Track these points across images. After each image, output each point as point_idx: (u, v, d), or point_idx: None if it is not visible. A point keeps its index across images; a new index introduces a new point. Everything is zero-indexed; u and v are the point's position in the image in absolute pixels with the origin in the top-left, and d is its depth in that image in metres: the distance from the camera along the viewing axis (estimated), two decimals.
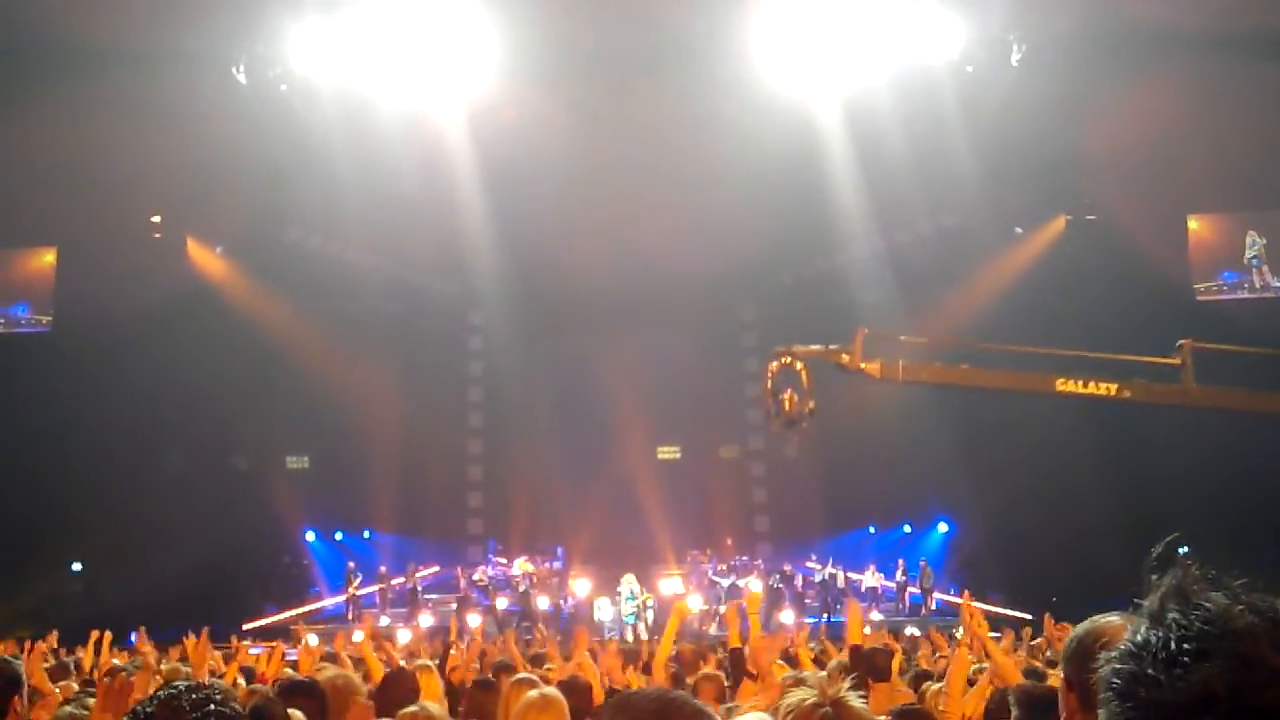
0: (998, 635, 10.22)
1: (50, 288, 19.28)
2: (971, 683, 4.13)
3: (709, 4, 14.68)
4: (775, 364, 9.46)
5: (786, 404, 9.15)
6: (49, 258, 19.34)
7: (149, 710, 1.74)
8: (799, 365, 9.35)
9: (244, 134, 16.15)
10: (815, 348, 9.79)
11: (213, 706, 1.75)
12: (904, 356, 10.53)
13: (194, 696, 1.76)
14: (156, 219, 18.94)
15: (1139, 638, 0.74)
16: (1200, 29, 14.15)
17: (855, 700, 1.88)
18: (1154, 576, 0.78)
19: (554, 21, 14.82)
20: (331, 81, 15.50)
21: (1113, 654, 0.75)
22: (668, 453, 22.12)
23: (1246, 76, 14.76)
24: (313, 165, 16.83)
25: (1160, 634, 0.72)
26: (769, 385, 9.28)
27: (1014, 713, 2.77)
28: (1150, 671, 0.71)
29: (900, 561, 19.43)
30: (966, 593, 4.01)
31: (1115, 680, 0.73)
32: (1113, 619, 1.82)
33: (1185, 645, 0.70)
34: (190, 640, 6.36)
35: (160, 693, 1.79)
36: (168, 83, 14.82)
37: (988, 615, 16.60)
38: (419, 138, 16.21)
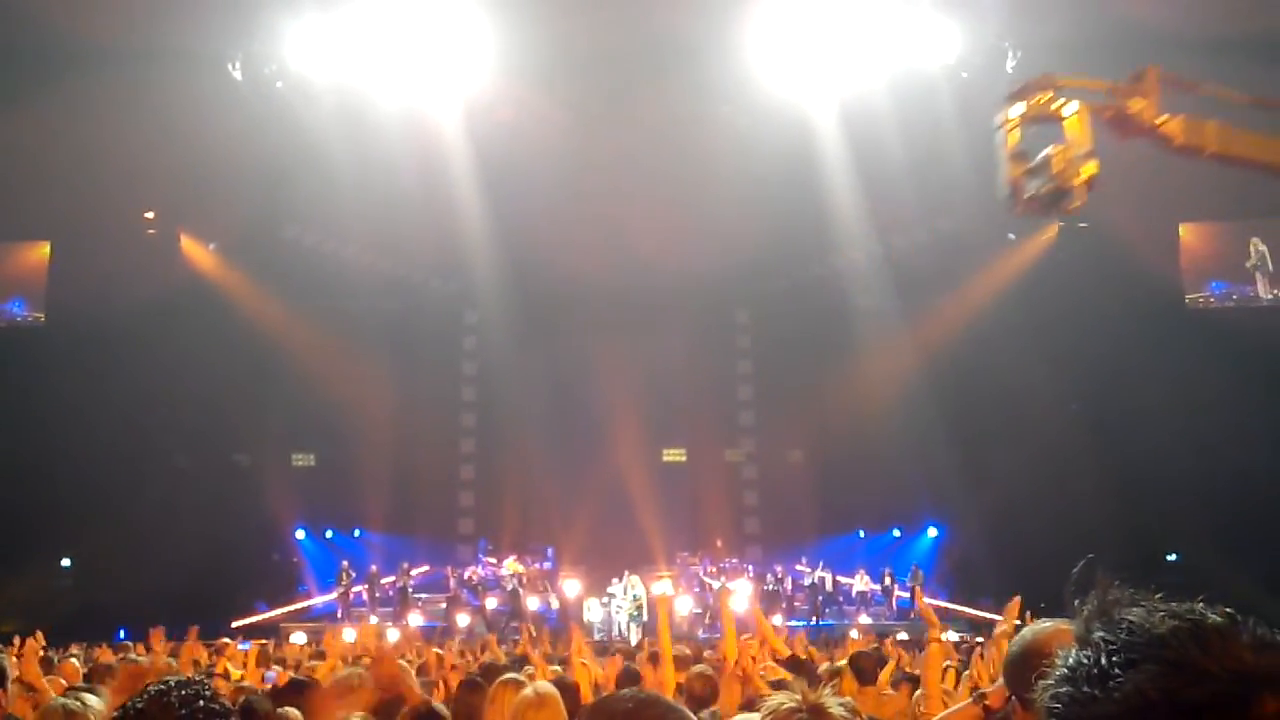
0: (980, 640, 10.24)
1: (44, 283, 19.24)
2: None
3: (706, 6, 14.69)
4: (1026, 104, 5.23)
5: (1054, 163, 4.98)
6: (43, 252, 19.31)
7: (139, 706, 1.76)
8: (1065, 109, 5.09)
9: (239, 131, 16.12)
10: (1090, 80, 5.40)
11: (201, 702, 1.77)
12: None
13: (183, 692, 1.78)
14: (150, 215, 18.91)
15: (1070, 661, 0.76)
16: (1193, 34, 14.19)
17: (835, 706, 1.85)
18: (1076, 601, 0.81)
19: (551, 21, 14.82)
20: (327, 79, 15.49)
21: (1048, 680, 0.77)
22: (673, 455, 22.07)
23: (1238, 81, 14.81)
24: (308, 163, 16.81)
25: (1090, 653, 0.75)
26: (1009, 142, 5.18)
27: None
28: (1085, 689, 0.73)
29: (886, 569, 19.45)
30: (917, 589, 4.03)
31: (1055, 705, 0.75)
32: (1043, 626, 1.85)
33: (1114, 658, 0.73)
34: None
35: (150, 688, 1.81)
36: (163, 79, 14.79)
37: (977, 621, 16.65)
38: (415, 136, 16.20)
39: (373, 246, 20.24)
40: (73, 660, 6.76)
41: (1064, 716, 0.75)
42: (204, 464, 19.35)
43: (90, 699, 3.15)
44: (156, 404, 18.20)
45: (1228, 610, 0.75)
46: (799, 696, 1.87)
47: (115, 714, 1.83)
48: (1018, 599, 3.93)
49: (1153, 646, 0.72)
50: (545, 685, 3.50)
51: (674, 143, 16.93)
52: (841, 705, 1.88)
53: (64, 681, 5.64)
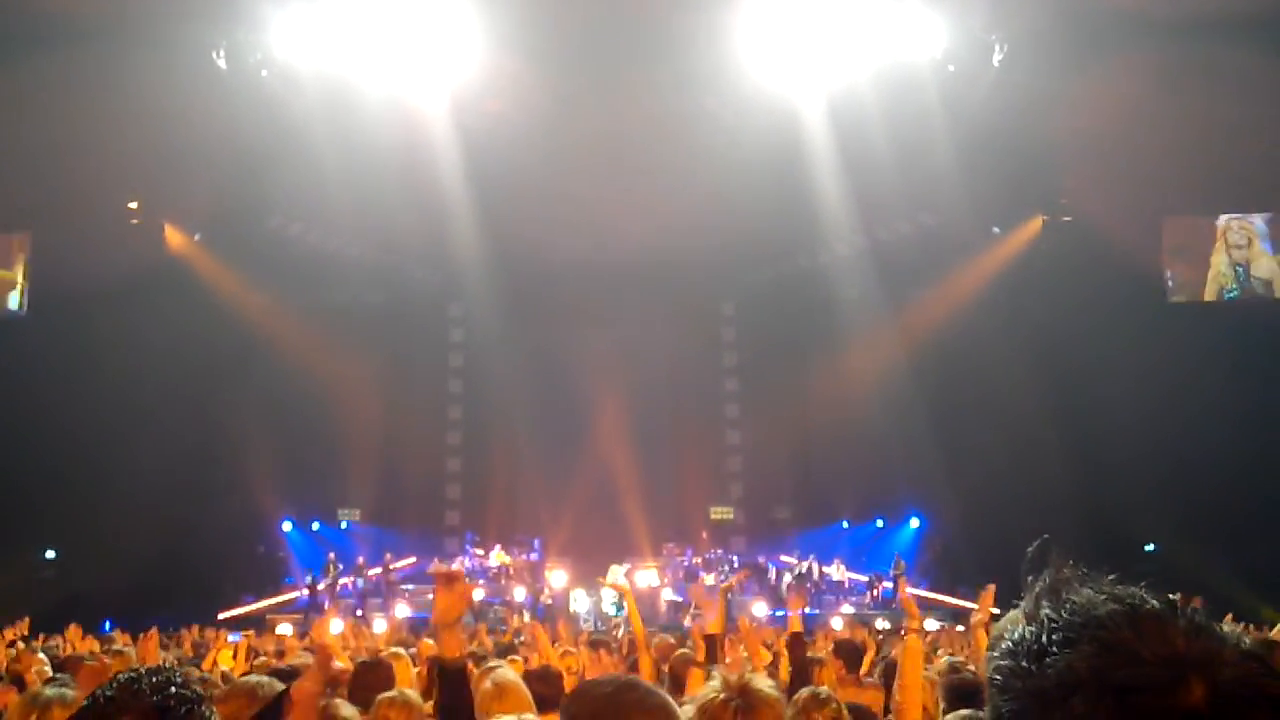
0: (962, 627, 10.36)
1: (24, 272, 19.04)
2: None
3: (695, 1, 14.68)
4: None
5: None
6: (23, 243, 19.10)
7: (109, 693, 1.76)
8: None
9: (223, 120, 15.99)
10: None
11: (173, 689, 1.77)
12: None
13: (154, 680, 1.77)
14: (134, 204, 18.75)
15: (1016, 635, 0.79)
16: (1177, 21, 14.26)
17: (762, 684, 1.83)
18: (1029, 578, 0.83)
19: (537, 12, 14.78)
20: (313, 68, 15.37)
21: (994, 652, 0.81)
22: (721, 513, 22.01)
23: (1227, 76, 14.92)
24: (293, 153, 16.70)
25: (1034, 629, 0.78)
26: None
27: (941, 704, 2.82)
28: (1024, 664, 0.77)
29: (864, 562, 19.63)
30: (902, 579, 4.09)
31: (996, 676, 0.79)
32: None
33: (1054, 636, 0.76)
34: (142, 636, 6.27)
35: (120, 676, 1.81)
36: (146, 67, 14.64)
37: (960, 610, 16.81)
38: (401, 127, 16.13)
39: (358, 238, 20.15)
40: (40, 656, 6.66)
41: (1002, 688, 0.78)
42: (188, 455, 19.22)
43: (69, 694, 3.14)
44: (140, 395, 18.06)
45: (1169, 596, 0.77)
46: (726, 682, 1.83)
47: (85, 701, 1.83)
48: (992, 587, 4.00)
49: (1089, 627, 0.75)
50: (505, 675, 3.48)
51: (660, 135, 16.93)
52: (766, 683, 1.85)
53: (48, 670, 5.63)
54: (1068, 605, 0.77)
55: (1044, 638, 0.76)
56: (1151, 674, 0.71)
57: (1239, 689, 0.71)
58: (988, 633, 3.71)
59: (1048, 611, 0.78)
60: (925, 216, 19.40)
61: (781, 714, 1.86)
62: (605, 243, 19.03)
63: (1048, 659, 0.75)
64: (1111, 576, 0.80)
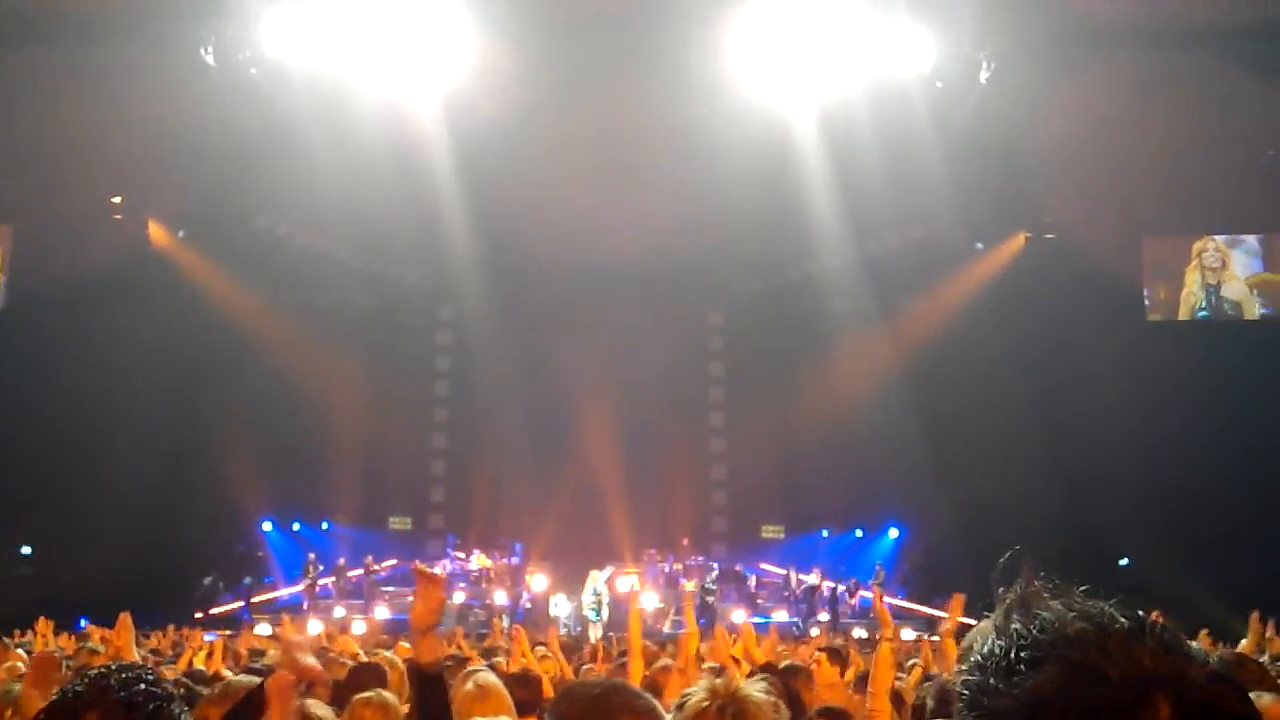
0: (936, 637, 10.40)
1: (4, 266, 18.88)
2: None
3: (686, 9, 14.77)
4: None
5: None
6: (4, 236, 18.93)
7: (77, 689, 1.75)
8: None
9: (211, 117, 15.92)
10: None
11: (143, 686, 1.76)
12: None
13: (123, 676, 1.77)
14: (117, 200, 18.62)
15: (985, 649, 0.79)
16: (1167, 33, 14.43)
17: (752, 689, 1.81)
18: (1000, 589, 0.83)
19: (531, 17, 14.82)
20: (303, 67, 15.30)
21: (962, 667, 0.81)
22: (772, 531, 21.86)
23: (1213, 98, 15.11)
24: (282, 152, 16.62)
25: (1003, 644, 0.77)
26: None
27: (929, 705, 2.83)
28: (992, 681, 0.76)
29: (853, 579, 19.69)
30: (876, 588, 4.11)
31: (964, 691, 0.79)
32: (988, 626, 1.87)
33: (1022, 654, 0.75)
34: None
35: (90, 672, 1.81)
36: (133, 62, 14.56)
37: (936, 620, 16.90)
38: (391, 128, 16.10)
39: (347, 240, 20.08)
40: (19, 650, 6.58)
41: (970, 704, 0.77)
42: (168, 453, 19.08)
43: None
44: (120, 392, 17.92)
45: (1136, 613, 0.76)
46: (714, 688, 1.81)
47: (54, 698, 1.81)
48: (960, 597, 4.03)
49: (1057, 646, 0.74)
50: (486, 677, 3.48)
51: (652, 144, 16.99)
52: (758, 689, 1.82)
53: (22, 666, 5.59)
54: (1037, 621, 0.76)
55: (1012, 654, 0.76)
56: (1117, 694, 0.71)
57: (1205, 709, 0.71)
58: (957, 642, 3.75)
59: (1017, 627, 0.77)
60: (912, 230, 19.56)
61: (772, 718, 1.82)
62: (595, 249, 19.06)
63: (1015, 678, 0.74)
64: (1083, 589, 0.80)
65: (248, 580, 18.98)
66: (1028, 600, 0.80)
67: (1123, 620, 0.75)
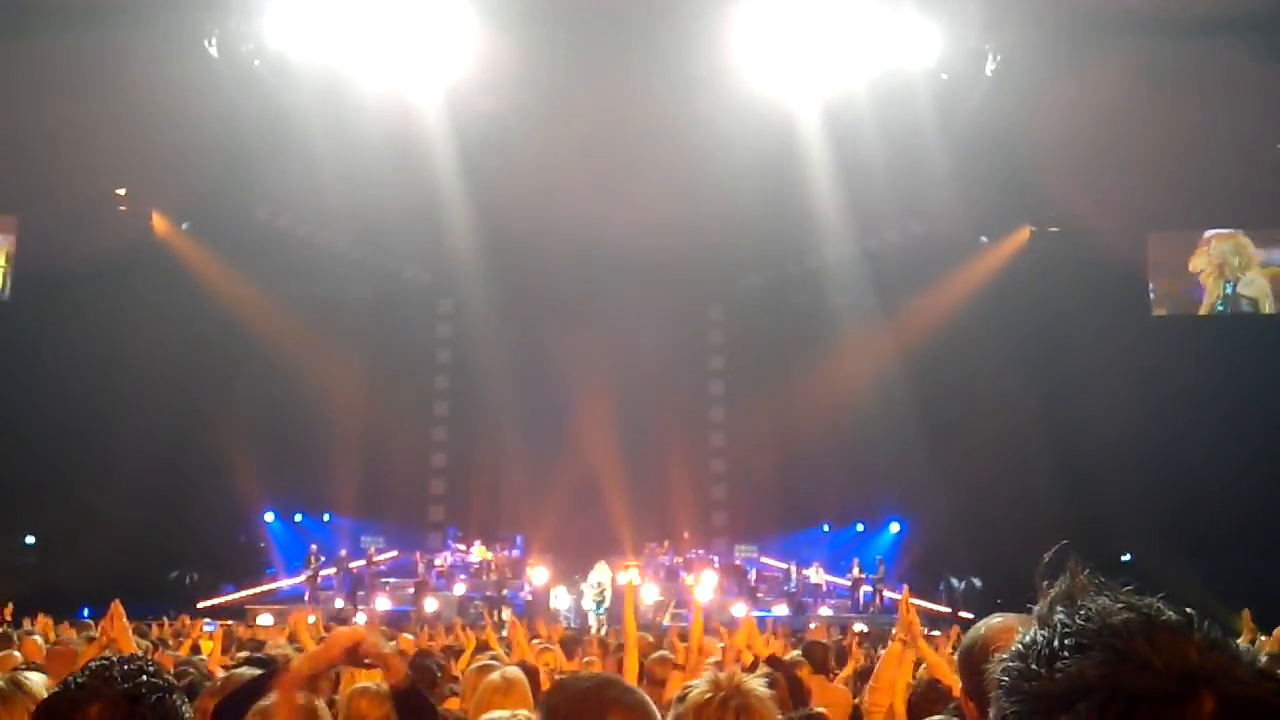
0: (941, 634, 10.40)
1: (9, 256, 18.90)
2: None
3: (689, 1, 14.71)
4: None
5: None
6: (8, 225, 18.96)
7: (80, 680, 1.75)
8: None
9: (215, 109, 15.91)
10: None
11: (145, 677, 1.76)
12: None
13: (126, 667, 1.77)
14: (121, 191, 18.63)
15: (1027, 639, 0.79)
16: (1175, 24, 14.33)
17: (755, 683, 1.81)
18: (1045, 583, 0.84)
19: (535, 11, 14.78)
20: (306, 59, 15.30)
21: (1004, 655, 0.81)
22: (744, 552, 21.57)
23: (1221, 91, 15.02)
24: (284, 144, 16.63)
25: (1045, 633, 0.78)
26: None
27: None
28: (1034, 667, 0.76)
29: (855, 560, 19.69)
30: (906, 588, 4.10)
31: (1004, 678, 0.79)
32: (994, 621, 1.86)
33: (1066, 641, 0.76)
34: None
35: (92, 663, 1.80)
36: (138, 53, 14.55)
37: (935, 615, 16.91)
38: (394, 121, 16.08)
39: (348, 232, 20.08)
40: (35, 639, 6.67)
41: (1010, 689, 0.77)
42: (171, 443, 19.14)
43: (33, 677, 3.15)
44: (123, 382, 17.96)
45: (1186, 610, 0.77)
46: (716, 680, 1.81)
47: (57, 688, 1.81)
48: (906, 589, 4.03)
49: (1104, 635, 0.74)
50: (513, 671, 3.51)
51: (654, 137, 16.94)
52: (760, 683, 1.82)
53: (18, 656, 5.61)
54: (1082, 612, 0.77)
55: (1056, 642, 0.76)
56: (1162, 684, 0.71)
57: (1250, 705, 0.71)
58: (914, 636, 3.75)
59: (1061, 617, 0.78)
60: (915, 224, 19.49)
61: (774, 713, 1.83)
62: (596, 243, 19.04)
63: (1058, 663, 0.75)
64: (1129, 585, 0.80)
65: (231, 587, 18.93)
66: (1072, 593, 0.81)
67: (1170, 614, 0.76)
